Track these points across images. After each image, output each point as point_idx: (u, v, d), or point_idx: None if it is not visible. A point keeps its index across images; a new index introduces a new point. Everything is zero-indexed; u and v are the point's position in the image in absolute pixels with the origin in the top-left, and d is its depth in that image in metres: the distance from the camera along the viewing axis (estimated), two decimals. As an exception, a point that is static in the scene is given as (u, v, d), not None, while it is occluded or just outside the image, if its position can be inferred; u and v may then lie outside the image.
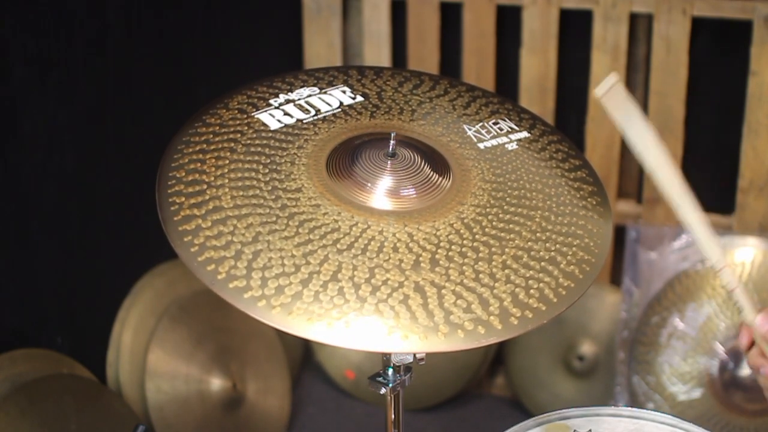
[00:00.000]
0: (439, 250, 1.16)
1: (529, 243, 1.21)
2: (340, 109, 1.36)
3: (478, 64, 2.48)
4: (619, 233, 2.43)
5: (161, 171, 1.22)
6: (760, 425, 2.21)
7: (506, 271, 1.16)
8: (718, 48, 2.36)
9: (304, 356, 2.67)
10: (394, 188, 1.23)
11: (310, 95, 1.38)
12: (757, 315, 1.12)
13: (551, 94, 2.44)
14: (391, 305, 1.09)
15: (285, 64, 2.63)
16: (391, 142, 1.26)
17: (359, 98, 1.39)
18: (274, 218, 1.16)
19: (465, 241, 1.18)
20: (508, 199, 1.26)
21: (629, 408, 1.38)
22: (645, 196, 2.43)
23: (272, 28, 2.60)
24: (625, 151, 2.49)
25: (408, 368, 1.29)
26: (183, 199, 1.18)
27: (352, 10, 2.59)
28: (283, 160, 1.25)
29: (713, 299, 2.26)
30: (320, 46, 2.59)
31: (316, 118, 1.33)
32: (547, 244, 1.22)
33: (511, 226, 1.23)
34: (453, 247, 1.17)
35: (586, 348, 2.47)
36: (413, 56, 2.53)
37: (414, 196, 1.23)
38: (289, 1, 2.59)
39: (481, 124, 1.37)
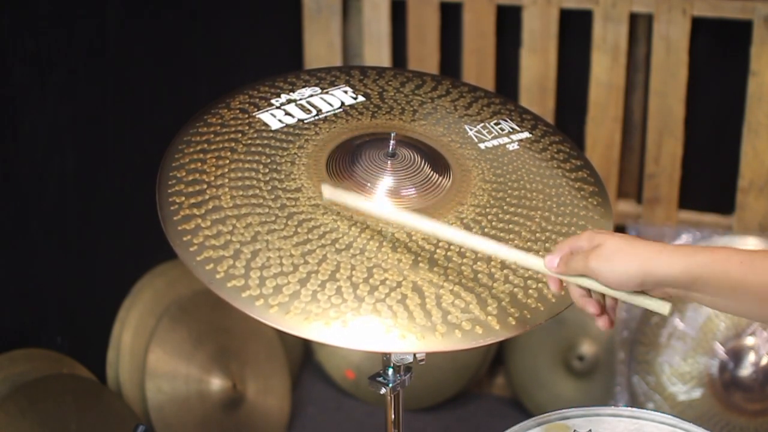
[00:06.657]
0: (437, 250, 1.16)
1: (529, 243, 1.21)
2: (341, 109, 1.36)
3: (478, 64, 2.48)
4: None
5: (162, 170, 1.22)
6: (760, 425, 2.21)
7: (505, 271, 1.16)
8: (718, 48, 2.36)
9: (304, 356, 2.67)
10: (394, 188, 1.23)
11: (311, 95, 1.38)
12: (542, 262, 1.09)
13: (551, 94, 2.44)
14: (388, 305, 1.09)
15: (285, 65, 2.63)
16: (391, 142, 1.26)
17: (361, 98, 1.39)
18: (273, 218, 1.17)
19: (464, 241, 1.18)
20: (508, 199, 1.26)
21: (629, 408, 1.38)
22: (645, 196, 2.43)
23: (272, 28, 2.60)
24: (625, 151, 2.49)
25: (408, 368, 1.29)
26: (183, 198, 1.18)
27: (352, 10, 2.59)
28: (283, 160, 1.25)
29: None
30: (320, 46, 2.59)
31: (317, 118, 1.33)
32: (547, 244, 1.22)
33: (510, 226, 1.23)
34: (452, 246, 1.17)
35: (586, 348, 2.47)
36: (413, 56, 2.53)
37: (414, 195, 1.23)
38: (289, 1, 2.59)
39: (482, 124, 1.37)
